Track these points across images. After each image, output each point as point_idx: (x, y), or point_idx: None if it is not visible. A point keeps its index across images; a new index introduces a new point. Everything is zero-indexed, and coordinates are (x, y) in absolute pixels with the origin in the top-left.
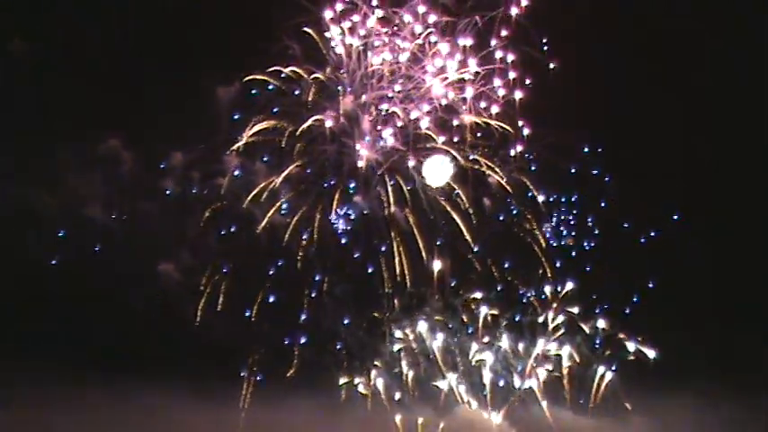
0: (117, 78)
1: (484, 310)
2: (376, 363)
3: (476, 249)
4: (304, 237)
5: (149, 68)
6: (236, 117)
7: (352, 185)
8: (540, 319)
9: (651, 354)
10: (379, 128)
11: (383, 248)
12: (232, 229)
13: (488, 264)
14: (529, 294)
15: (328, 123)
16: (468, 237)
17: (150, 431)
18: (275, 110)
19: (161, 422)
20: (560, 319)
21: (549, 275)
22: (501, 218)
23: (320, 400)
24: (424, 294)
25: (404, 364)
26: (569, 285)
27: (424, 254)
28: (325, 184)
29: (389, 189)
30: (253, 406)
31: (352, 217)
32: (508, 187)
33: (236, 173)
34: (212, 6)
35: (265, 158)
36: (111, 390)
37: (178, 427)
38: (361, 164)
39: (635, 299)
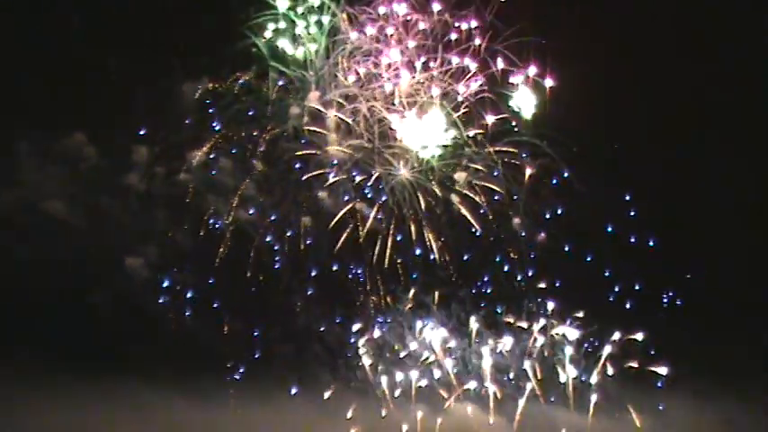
0: (80, 73)
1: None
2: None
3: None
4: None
5: (114, 63)
6: (201, 113)
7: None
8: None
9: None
10: (344, 125)
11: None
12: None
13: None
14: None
15: (292, 122)
16: (432, 236)
17: (137, 428)
18: (240, 108)
19: (147, 420)
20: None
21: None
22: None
23: (310, 398)
24: (395, 291)
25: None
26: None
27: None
28: (291, 182)
29: (355, 186)
30: (242, 403)
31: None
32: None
33: (202, 170)
34: (178, 2)
35: (230, 156)
36: (96, 387)
37: (166, 425)
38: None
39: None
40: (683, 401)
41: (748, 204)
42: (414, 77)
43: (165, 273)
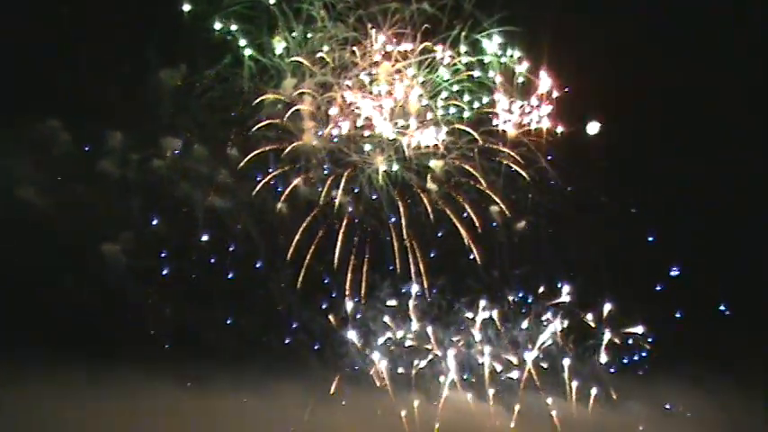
0: (55, 59)
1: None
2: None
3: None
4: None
5: (89, 50)
6: (176, 101)
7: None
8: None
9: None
10: (321, 115)
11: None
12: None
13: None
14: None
15: (267, 110)
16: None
17: (127, 415)
18: (214, 96)
19: (136, 407)
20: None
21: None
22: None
23: (307, 387)
24: (374, 280)
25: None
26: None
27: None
28: (266, 172)
29: (331, 176)
30: (238, 392)
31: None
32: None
33: (177, 156)
34: None
35: (205, 144)
36: (79, 374)
37: (160, 413)
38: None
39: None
40: (680, 389)
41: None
42: (392, 66)
43: (141, 260)
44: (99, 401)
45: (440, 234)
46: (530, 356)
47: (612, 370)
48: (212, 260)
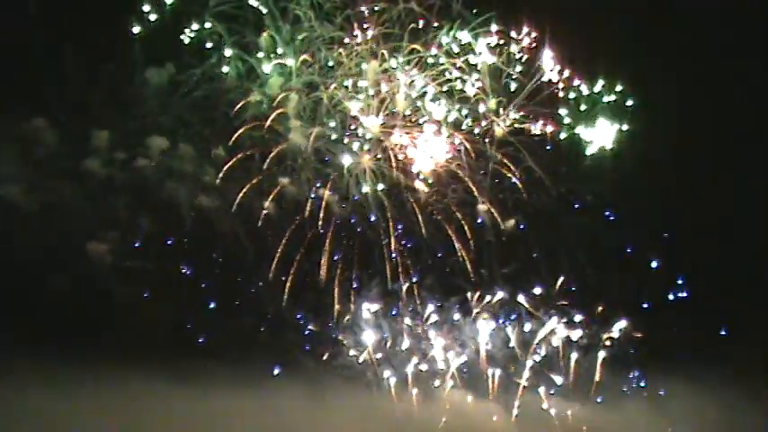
0: (40, 58)
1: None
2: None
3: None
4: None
5: (74, 48)
6: (161, 99)
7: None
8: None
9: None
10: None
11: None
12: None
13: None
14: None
15: (253, 109)
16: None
17: (128, 416)
18: (200, 95)
19: (139, 408)
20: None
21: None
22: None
23: (305, 388)
24: (363, 280)
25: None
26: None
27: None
28: (253, 170)
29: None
30: (233, 392)
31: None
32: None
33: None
34: None
35: (191, 143)
36: (83, 374)
37: (157, 413)
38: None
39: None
40: (681, 389)
41: None
42: (379, 65)
43: (127, 259)
44: (96, 401)
45: (428, 233)
46: (527, 356)
47: (610, 370)
48: (202, 261)
